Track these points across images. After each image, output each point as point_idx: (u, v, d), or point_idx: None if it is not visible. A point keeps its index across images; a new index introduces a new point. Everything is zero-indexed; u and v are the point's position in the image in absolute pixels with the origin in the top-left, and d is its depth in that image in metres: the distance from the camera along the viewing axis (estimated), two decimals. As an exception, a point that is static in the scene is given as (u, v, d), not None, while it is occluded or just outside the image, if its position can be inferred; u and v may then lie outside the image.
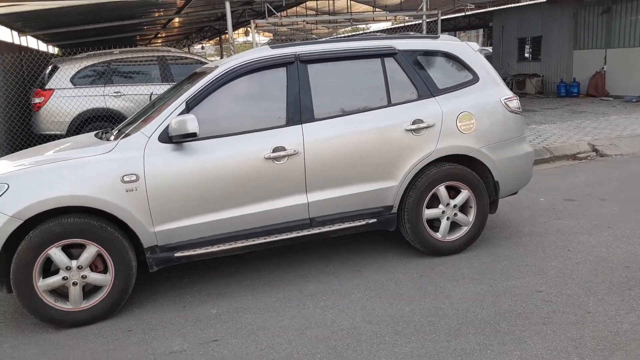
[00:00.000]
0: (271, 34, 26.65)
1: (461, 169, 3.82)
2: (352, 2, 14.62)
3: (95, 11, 9.70)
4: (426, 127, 3.69)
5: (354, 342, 2.82)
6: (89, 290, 3.24)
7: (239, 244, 3.40)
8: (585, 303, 3.09)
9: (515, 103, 4.02)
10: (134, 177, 3.16)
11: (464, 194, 3.84)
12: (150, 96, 7.34)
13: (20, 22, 10.72)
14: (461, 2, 14.71)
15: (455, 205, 3.83)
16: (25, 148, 4.90)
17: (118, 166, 3.16)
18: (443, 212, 3.82)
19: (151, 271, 3.34)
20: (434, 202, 3.81)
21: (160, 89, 7.30)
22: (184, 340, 2.96)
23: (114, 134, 3.64)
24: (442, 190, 3.78)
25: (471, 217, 3.90)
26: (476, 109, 3.84)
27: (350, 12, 15.06)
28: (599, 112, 10.48)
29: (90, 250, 3.13)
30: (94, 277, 3.17)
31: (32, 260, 3.03)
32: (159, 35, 19.96)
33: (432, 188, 3.74)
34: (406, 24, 20.34)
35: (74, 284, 3.12)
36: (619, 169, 6.39)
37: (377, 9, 14.91)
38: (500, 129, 3.94)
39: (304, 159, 3.43)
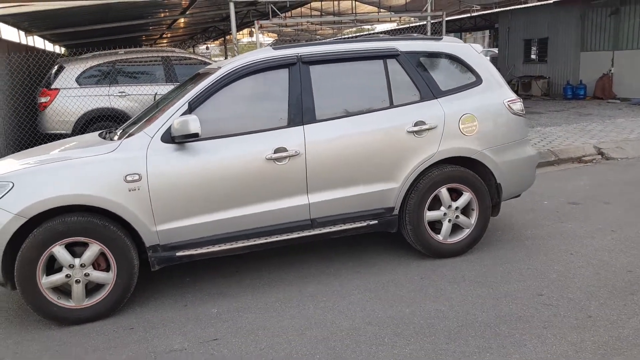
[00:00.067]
0: (276, 35, 26.71)
1: (463, 171, 3.81)
2: (356, 3, 14.63)
3: (102, 12, 9.77)
4: (428, 129, 3.69)
5: (353, 343, 2.83)
6: (92, 288, 3.26)
7: (240, 244, 3.42)
8: (587, 307, 3.08)
9: (518, 105, 4.01)
10: (136, 177, 3.18)
11: (466, 196, 3.84)
12: (155, 96, 7.38)
13: (27, 22, 10.82)
14: (467, 3, 14.68)
15: (457, 208, 3.83)
16: (31, 147, 4.94)
17: (121, 166, 3.18)
18: (445, 214, 3.82)
19: (153, 270, 3.36)
20: (436, 204, 3.81)
21: (164, 89, 7.33)
22: (185, 339, 2.98)
23: (118, 133, 3.67)
24: (444, 192, 3.78)
25: (473, 219, 3.89)
26: (479, 111, 3.84)
27: (355, 13, 15.08)
28: (606, 115, 10.43)
29: (93, 249, 3.15)
30: (97, 275, 3.20)
31: (36, 257, 3.06)
32: (165, 35, 20.06)
33: (434, 190, 3.74)
34: (411, 25, 20.32)
35: (77, 281, 3.15)
36: (625, 172, 6.35)
37: (382, 10, 14.91)
38: (503, 132, 3.93)
39: (306, 160, 3.44)
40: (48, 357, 2.88)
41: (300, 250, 4.16)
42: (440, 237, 3.83)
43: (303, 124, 3.48)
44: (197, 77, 3.79)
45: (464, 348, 2.73)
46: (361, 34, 27.63)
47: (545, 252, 3.94)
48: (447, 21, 10.48)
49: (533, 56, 16.46)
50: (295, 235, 3.51)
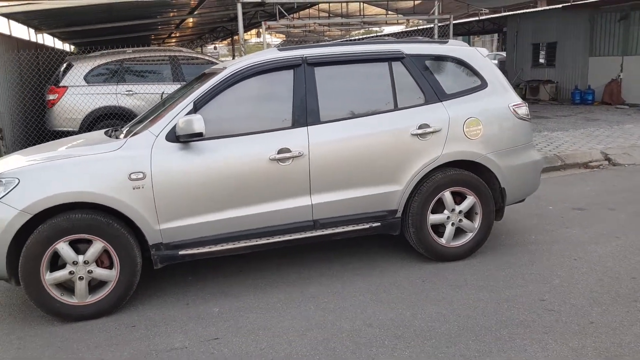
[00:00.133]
0: (284, 36, 26.77)
1: (467, 174, 3.80)
2: (364, 5, 14.63)
3: (110, 10, 9.84)
4: (432, 132, 3.69)
5: (353, 345, 2.83)
6: (95, 285, 3.29)
7: (243, 244, 3.43)
8: (589, 313, 3.07)
9: (523, 110, 4.00)
10: (141, 175, 3.20)
11: (470, 200, 3.83)
12: (162, 95, 7.42)
13: (37, 20, 10.91)
14: (475, 6, 14.64)
15: (460, 211, 3.82)
16: (39, 144, 4.98)
17: (125, 164, 3.21)
18: (448, 217, 3.81)
19: (156, 268, 3.38)
20: (439, 207, 3.80)
21: (171, 88, 7.37)
22: (186, 338, 2.99)
23: (124, 132, 3.70)
24: (447, 195, 3.77)
25: (476, 223, 3.88)
26: (484, 115, 3.83)
27: (363, 15, 15.08)
28: (614, 121, 10.36)
29: (97, 246, 3.18)
30: (100, 273, 3.22)
31: (40, 253, 3.09)
32: (173, 35, 20.16)
33: (437, 193, 3.74)
34: (419, 27, 20.29)
35: (80, 278, 3.18)
36: (631, 178, 6.31)
37: (389, 12, 14.90)
38: (508, 136, 3.92)
39: (309, 161, 3.45)
40: (50, 352, 2.90)
41: (303, 251, 4.16)
42: (443, 241, 3.83)
43: (307, 125, 3.49)
44: (203, 77, 3.81)
45: (464, 352, 2.72)
46: (369, 35, 27.62)
47: (549, 258, 3.92)
48: (455, 24, 10.47)
49: (541, 60, 16.38)
50: (297, 236, 3.52)
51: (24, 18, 10.25)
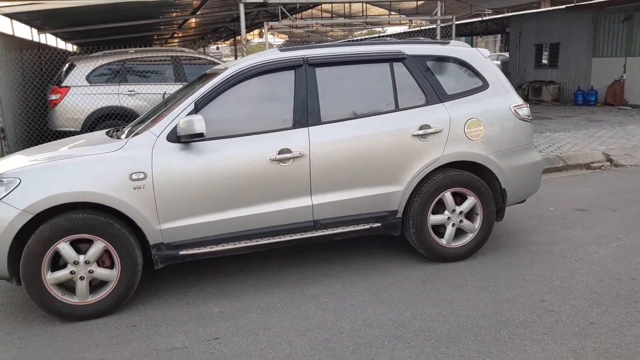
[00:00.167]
0: (287, 36, 26.79)
1: (468, 175, 3.80)
2: (367, 5, 14.63)
3: (113, 10, 9.87)
4: (433, 133, 3.69)
5: (353, 345, 2.84)
6: (96, 285, 3.30)
7: (243, 244, 3.44)
8: (589, 314, 3.06)
9: (524, 110, 3.99)
10: (141, 175, 3.21)
11: (470, 200, 3.83)
12: (164, 95, 7.44)
13: (39, 20, 10.95)
14: (478, 7, 14.62)
15: (461, 212, 3.82)
16: (41, 144, 5.00)
17: (126, 164, 3.22)
18: (448, 218, 3.81)
19: (156, 268, 3.39)
20: (440, 208, 3.80)
21: (173, 88, 7.39)
22: (186, 337, 3.00)
23: (125, 132, 3.71)
24: (448, 196, 3.77)
25: (477, 224, 3.88)
26: (485, 116, 3.83)
27: (366, 16, 15.08)
28: (616, 122, 10.33)
29: (98, 246, 3.19)
30: (101, 272, 3.23)
31: (41, 253, 3.10)
32: (176, 35, 20.20)
33: (438, 194, 3.74)
34: (422, 28, 20.28)
35: (81, 278, 3.19)
36: (633, 179, 6.29)
37: (392, 13, 14.90)
38: (509, 137, 3.92)
39: (310, 161, 3.45)
40: (51, 352, 2.92)
41: (304, 251, 4.17)
42: (443, 241, 3.83)
43: (308, 126, 3.50)
44: (205, 78, 3.82)
45: (464, 352, 2.72)
46: (372, 36, 27.62)
47: (550, 259, 3.92)
48: (458, 25, 10.48)
49: (544, 61, 16.35)
50: (298, 236, 3.53)
51: (27, 18, 10.29)
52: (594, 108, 13.03)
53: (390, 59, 3.78)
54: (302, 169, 3.45)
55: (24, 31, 11.33)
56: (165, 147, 3.29)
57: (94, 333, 3.10)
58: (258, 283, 3.68)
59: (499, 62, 19.11)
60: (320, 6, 15.16)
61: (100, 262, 3.24)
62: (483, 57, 4.03)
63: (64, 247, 3.13)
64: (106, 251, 3.22)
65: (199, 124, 3.18)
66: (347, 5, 15.48)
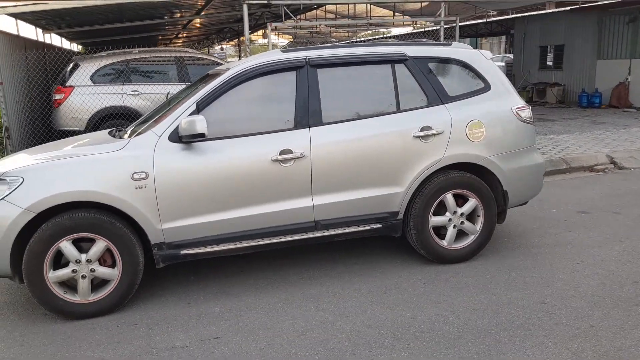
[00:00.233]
0: (291, 37, 26.82)
1: (469, 177, 3.80)
2: (371, 6, 14.64)
3: (118, 11, 9.91)
4: (435, 134, 3.69)
5: (353, 346, 2.84)
6: (97, 283, 3.32)
7: (244, 244, 3.45)
8: (590, 316, 3.05)
9: (526, 112, 3.99)
10: (143, 175, 3.23)
11: (472, 202, 3.82)
12: (167, 96, 7.46)
13: (45, 20, 11.01)
14: (482, 8, 14.59)
15: (462, 214, 3.82)
16: (44, 143, 5.03)
17: (128, 164, 3.24)
18: (450, 219, 3.81)
19: (158, 267, 3.40)
20: (441, 209, 3.80)
21: (177, 88, 7.39)
22: (186, 337, 3.01)
23: (128, 132, 3.73)
24: (449, 197, 3.77)
25: (478, 225, 3.87)
26: (486, 118, 3.83)
27: (370, 17, 15.08)
28: (620, 124, 10.29)
29: (100, 245, 3.21)
30: (102, 271, 3.25)
31: (43, 252, 3.12)
32: (180, 35, 20.27)
33: (439, 195, 3.74)
34: (426, 29, 20.26)
35: (83, 277, 3.21)
36: (637, 182, 6.27)
37: (396, 14, 14.89)
38: (510, 138, 3.91)
39: (311, 162, 3.46)
40: (52, 350, 2.93)
41: (305, 252, 4.18)
42: (444, 243, 3.83)
43: (309, 127, 3.50)
44: (207, 78, 3.84)
45: (463, 353, 2.72)
46: (376, 37, 27.62)
47: (551, 261, 3.91)
48: (462, 26, 10.47)
49: (549, 63, 16.30)
50: (298, 236, 3.54)
51: (31, 18, 10.35)
52: (598, 110, 12.98)
53: (392, 60, 3.78)
54: (303, 170, 3.45)
55: (29, 31, 11.40)
56: (167, 147, 3.31)
57: (95, 331, 3.11)
58: (259, 283, 3.69)
59: (503, 64, 19.06)
60: (324, 7, 15.16)
61: (101, 261, 3.26)
62: (485, 59, 4.03)
63: (66, 246, 3.15)
64: (108, 250, 3.24)
65: (200, 124, 3.20)
66: (351, 6, 15.49)
